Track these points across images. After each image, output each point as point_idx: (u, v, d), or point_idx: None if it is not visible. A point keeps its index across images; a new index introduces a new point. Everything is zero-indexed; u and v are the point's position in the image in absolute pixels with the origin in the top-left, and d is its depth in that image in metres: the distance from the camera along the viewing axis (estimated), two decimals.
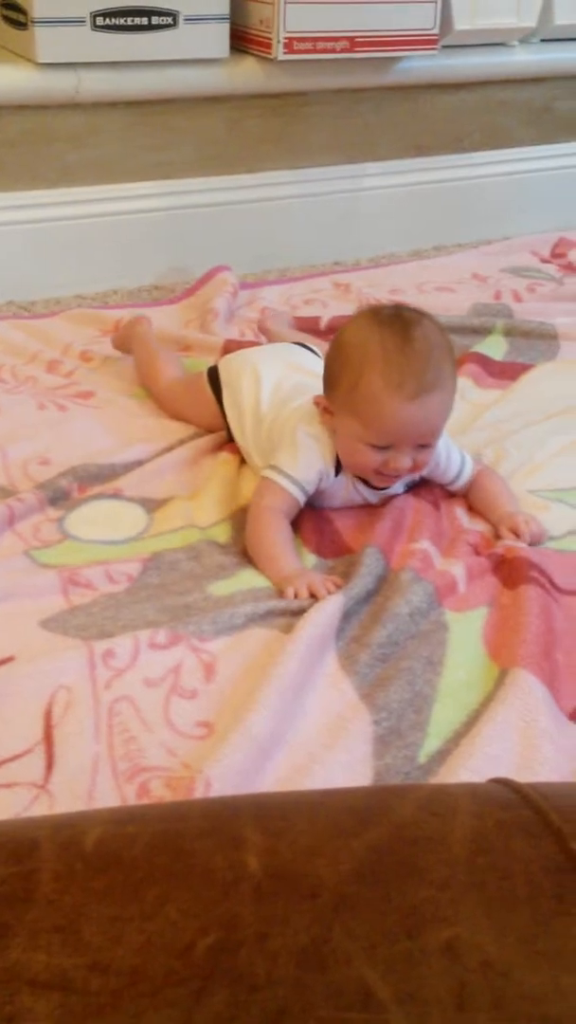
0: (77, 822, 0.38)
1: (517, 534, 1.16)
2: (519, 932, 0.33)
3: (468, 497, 1.24)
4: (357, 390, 1.10)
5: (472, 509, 1.24)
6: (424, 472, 1.21)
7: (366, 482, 1.19)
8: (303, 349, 1.37)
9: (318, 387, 1.18)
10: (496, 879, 0.35)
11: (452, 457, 1.22)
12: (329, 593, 1.04)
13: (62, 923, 0.33)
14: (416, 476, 1.22)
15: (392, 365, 1.08)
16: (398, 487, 1.22)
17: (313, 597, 1.04)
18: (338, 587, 1.05)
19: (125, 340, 1.58)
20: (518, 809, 0.38)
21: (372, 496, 1.21)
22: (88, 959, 0.32)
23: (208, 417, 1.35)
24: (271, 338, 1.59)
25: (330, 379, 1.15)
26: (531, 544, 1.15)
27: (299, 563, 1.10)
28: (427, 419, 1.10)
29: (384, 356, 1.08)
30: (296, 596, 1.04)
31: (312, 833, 0.37)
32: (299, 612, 1.02)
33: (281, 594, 1.05)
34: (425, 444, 1.12)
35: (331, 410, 1.14)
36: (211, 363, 1.41)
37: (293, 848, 0.36)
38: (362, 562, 1.08)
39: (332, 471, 1.17)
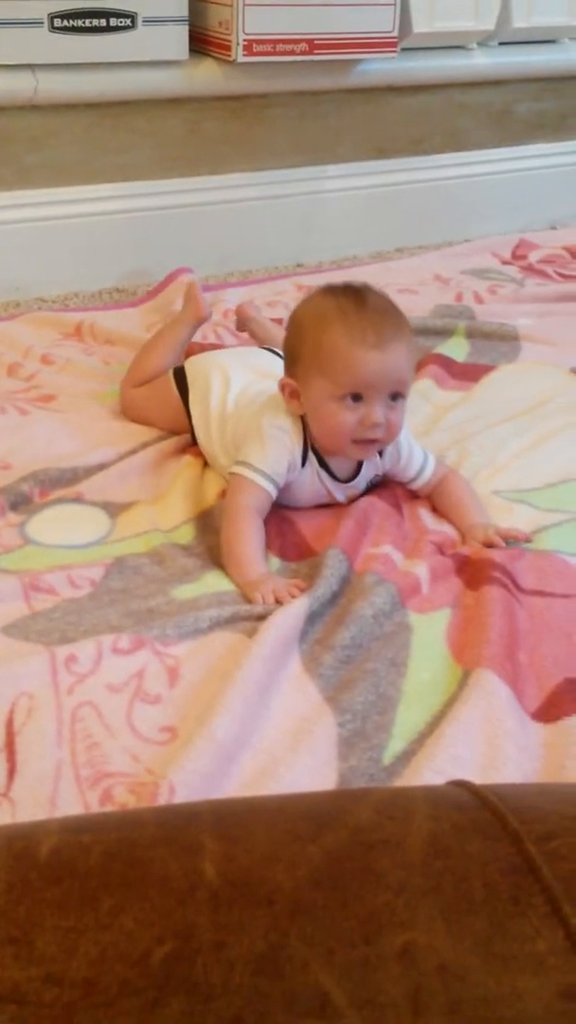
0: (31, 832, 0.38)
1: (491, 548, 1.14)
2: (475, 935, 0.33)
3: (433, 500, 1.25)
4: (321, 349, 1.12)
5: (437, 512, 1.24)
6: (387, 466, 1.22)
7: (332, 475, 1.19)
8: (271, 354, 1.37)
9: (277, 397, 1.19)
10: (453, 882, 0.35)
11: (414, 454, 1.23)
12: (293, 598, 1.04)
13: (15, 935, 0.33)
14: (379, 472, 1.23)
15: (352, 322, 1.11)
16: (360, 482, 1.22)
17: (278, 603, 1.04)
18: (302, 591, 1.05)
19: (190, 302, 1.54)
20: (475, 811, 0.38)
21: (338, 491, 1.21)
22: (42, 971, 0.32)
23: (171, 418, 1.35)
24: (248, 324, 1.59)
25: (291, 354, 1.16)
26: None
27: (266, 568, 1.10)
28: (394, 366, 1.11)
29: (343, 316, 1.12)
30: (262, 602, 1.04)
31: (270, 839, 0.37)
32: (263, 616, 1.01)
33: (247, 600, 1.05)
34: (396, 395, 1.13)
35: (297, 390, 1.15)
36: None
37: (250, 854, 0.36)
38: (325, 564, 1.08)
39: (299, 462, 1.17)
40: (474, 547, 1.14)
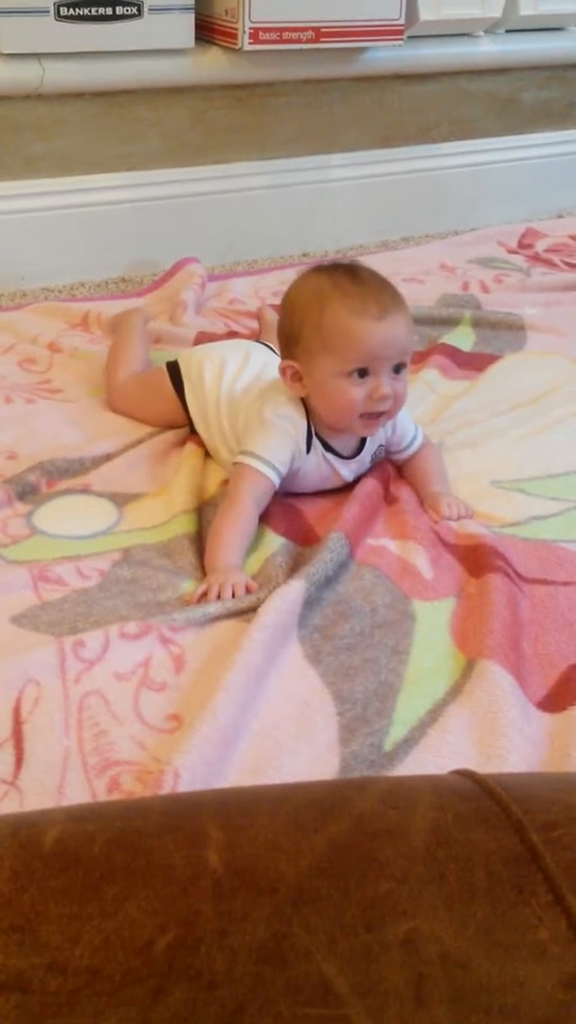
0: (36, 820, 0.38)
1: (437, 512, 1.19)
2: (478, 924, 0.33)
3: (404, 467, 1.27)
4: (323, 326, 1.12)
5: (401, 477, 1.27)
6: (387, 433, 1.23)
7: (336, 453, 1.20)
8: (266, 348, 1.37)
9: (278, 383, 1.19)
10: (456, 871, 0.35)
11: (407, 424, 1.26)
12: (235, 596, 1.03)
13: (20, 923, 0.33)
14: (381, 443, 1.24)
15: (351, 295, 1.12)
16: (365, 456, 1.22)
17: (232, 595, 1.03)
18: (250, 591, 1.04)
19: (115, 327, 1.58)
20: (479, 800, 0.39)
21: (344, 468, 1.21)
22: (46, 959, 0.32)
23: (164, 413, 1.34)
24: (264, 327, 1.60)
25: (290, 335, 1.16)
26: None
27: (239, 562, 1.10)
28: (397, 337, 1.12)
29: (341, 290, 1.12)
30: (207, 592, 1.03)
31: (273, 828, 0.37)
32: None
33: (203, 581, 1.05)
34: (400, 364, 1.14)
35: (299, 372, 1.15)
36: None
37: (254, 843, 0.36)
38: (327, 548, 1.09)
39: (304, 448, 1.17)
40: (432, 516, 1.19)
